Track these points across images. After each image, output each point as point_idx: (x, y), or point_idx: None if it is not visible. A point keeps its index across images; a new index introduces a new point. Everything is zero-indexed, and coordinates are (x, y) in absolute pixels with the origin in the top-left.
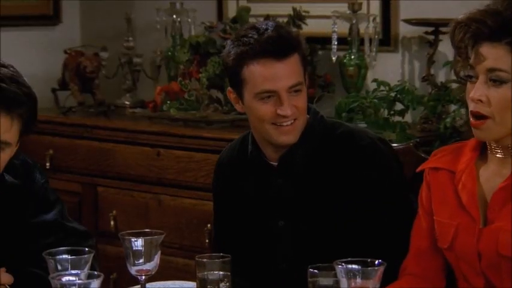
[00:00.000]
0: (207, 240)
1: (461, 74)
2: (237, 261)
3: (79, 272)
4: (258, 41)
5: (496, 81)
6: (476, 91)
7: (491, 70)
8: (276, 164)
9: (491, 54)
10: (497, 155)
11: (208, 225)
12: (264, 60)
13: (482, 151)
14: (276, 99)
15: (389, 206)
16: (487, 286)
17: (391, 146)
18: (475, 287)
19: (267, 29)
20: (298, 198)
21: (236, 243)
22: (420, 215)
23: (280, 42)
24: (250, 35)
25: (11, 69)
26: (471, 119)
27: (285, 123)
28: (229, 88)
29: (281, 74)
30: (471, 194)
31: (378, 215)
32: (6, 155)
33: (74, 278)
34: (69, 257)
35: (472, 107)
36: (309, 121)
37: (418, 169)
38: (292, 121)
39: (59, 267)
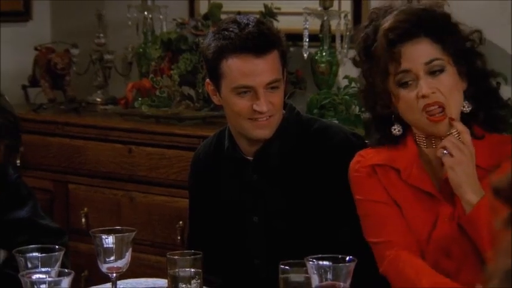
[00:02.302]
0: (179, 237)
1: (393, 82)
2: (211, 256)
3: (49, 269)
4: (238, 35)
5: (436, 72)
6: (425, 86)
7: (428, 62)
8: (252, 158)
9: (420, 50)
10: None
11: (180, 222)
12: (243, 56)
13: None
14: (252, 94)
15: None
16: (457, 269)
17: (365, 141)
18: (446, 273)
19: (248, 24)
20: (273, 194)
21: (211, 239)
22: (385, 211)
23: (260, 38)
24: (231, 29)
25: None
26: (430, 117)
27: (260, 119)
28: (207, 80)
29: (259, 70)
30: (431, 184)
31: (351, 212)
32: None
33: (44, 276)
34: (39, 255)
35: (427, 100)
36: (285, 117)
37: (356, 166)
38: (268, 117)
39: (29, 265)
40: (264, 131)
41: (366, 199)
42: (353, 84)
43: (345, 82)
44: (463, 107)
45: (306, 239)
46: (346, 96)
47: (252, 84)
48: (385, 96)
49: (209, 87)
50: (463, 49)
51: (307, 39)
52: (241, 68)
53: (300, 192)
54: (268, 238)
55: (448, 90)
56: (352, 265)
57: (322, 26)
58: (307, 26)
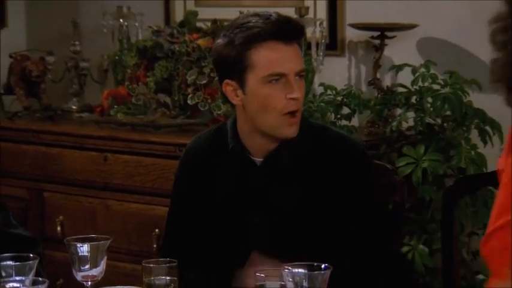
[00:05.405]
0: (154, 245)
1: None
2: (190, 255)
3: (23, 278)
4: (266, 24)
5: None
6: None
7: None
8: (261, 160)
9: None
10: None
11: (156, 230)
12: (273, 43)
13: None
14: (284, 83)
15: (375, 214)
16: None
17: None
18: None
19: (270, 15)
20: (279, 197)
21: (194, 237)
22: None
23: (289, 25)
24: (253, 20)
25: None
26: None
27: (294, 112)
28: (226, 80)
29: (289, 57)
30: None
31: (364, 222)
32: None
33: (18, 285)
34: (14, 264)
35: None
36: None
37: None
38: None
39: (3, 274)
40: (293, 129)
41: None
42: (328, 92)
43: (320, 89)
44: None
45: (308, 243)
46: (322, 104)
47: (284, 71)
48: None
49: (228, 88)
50: None
51: None
52: (272, 56)
53: (309, 198)
54: (267, 240)
55: None
56: (328, 273)
57: None
58: None
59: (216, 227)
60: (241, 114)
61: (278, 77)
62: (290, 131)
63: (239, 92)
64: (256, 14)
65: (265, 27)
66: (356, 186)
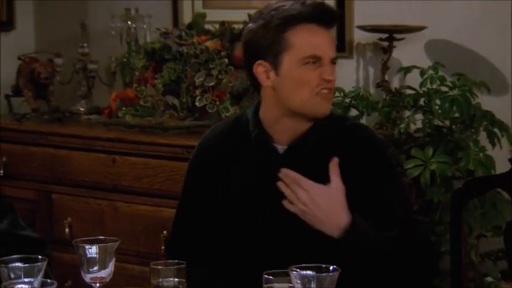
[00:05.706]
0: (163, 247)
1: None
2: (201, 249)
3: (32, 280)
4: (304, 7)
5: None
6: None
7: None
8: (284, 148)
9: None
10: None
11: (164, 231)
12: (312, 26)
13: None
14: (318, 66)
15: (400, 202)
16: None
17: None
18: None
19: (305, 0)
20: None
21: (206, 230)
22: None
23: (328, 10)
24: (289, 4)
25: None
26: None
27: (327, 87)
28: (258, 61)
29: (327, 42)
30: None
31: (390, 205)
32: None
33: (27, 286)
34: (22, 265)
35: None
36: None
37: None
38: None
39: (12, 276)
40: (329, 105)
41: None
42: (336, 94)
43: None
44: None
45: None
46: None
47: (321, 55)
48: None
49: (259, 68)
50: None
51: None
52: (311, 38)
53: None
54: (291, 227)
55: None
56: (336, 274)
57: None
58: None
59: (235, 220)
60: (270, 97)
61: (315, 60)
62: (325, 107)
63: (271, 73)
64: None
65: (303, 10)
66: (378, 170)
